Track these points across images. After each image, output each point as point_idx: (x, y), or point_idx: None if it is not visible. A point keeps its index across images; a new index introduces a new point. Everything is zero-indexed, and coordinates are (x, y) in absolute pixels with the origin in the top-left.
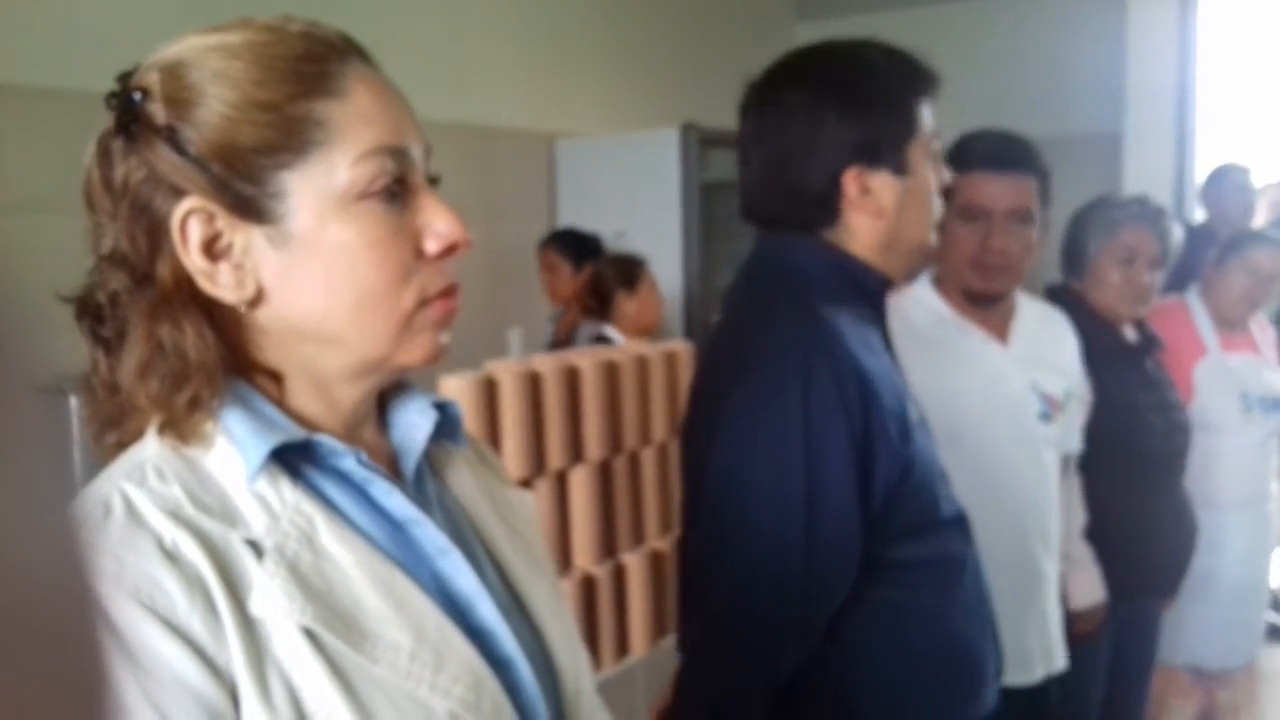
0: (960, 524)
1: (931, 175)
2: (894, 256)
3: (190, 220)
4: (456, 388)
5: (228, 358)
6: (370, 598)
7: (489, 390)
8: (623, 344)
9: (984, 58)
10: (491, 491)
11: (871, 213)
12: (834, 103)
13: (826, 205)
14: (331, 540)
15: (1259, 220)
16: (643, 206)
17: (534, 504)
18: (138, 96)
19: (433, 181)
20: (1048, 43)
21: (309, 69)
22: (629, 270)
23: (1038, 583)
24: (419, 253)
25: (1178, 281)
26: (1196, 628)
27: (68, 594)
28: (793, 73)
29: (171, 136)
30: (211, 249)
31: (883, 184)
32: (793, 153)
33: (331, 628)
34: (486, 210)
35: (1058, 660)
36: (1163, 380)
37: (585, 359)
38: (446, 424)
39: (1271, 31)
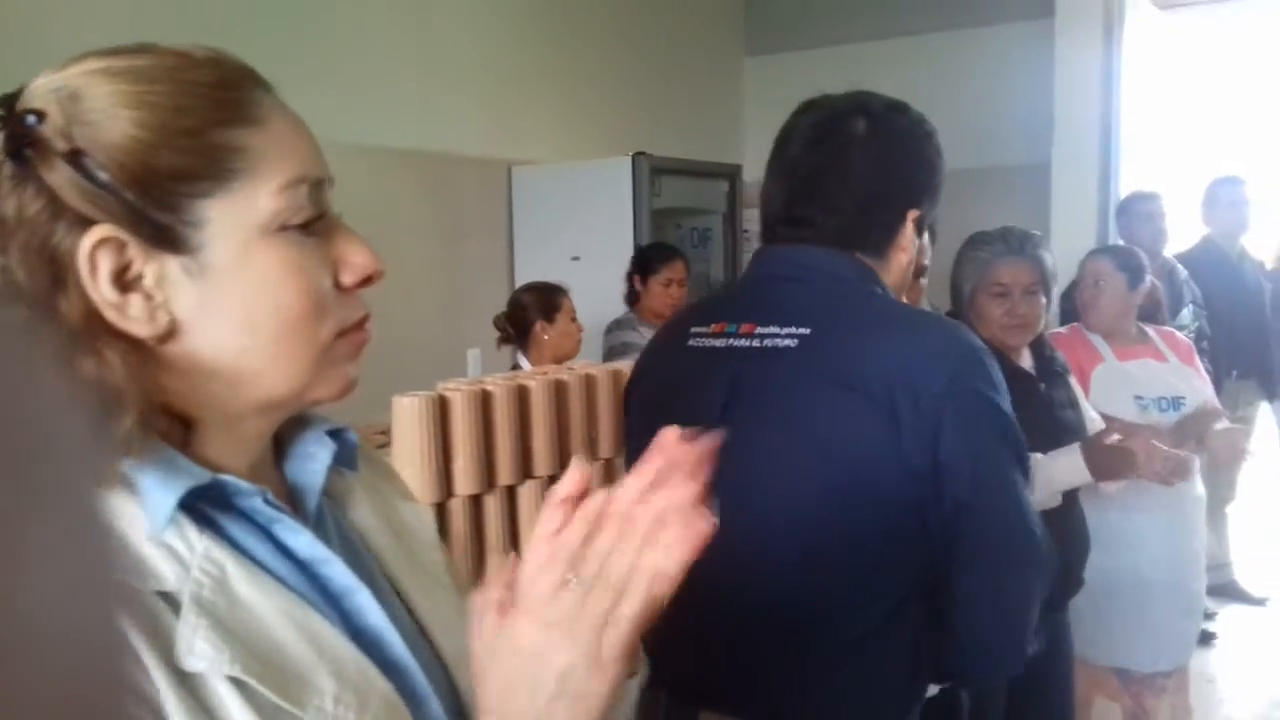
0: None
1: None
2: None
3: (100, 250)
4: (410, 406)
5: None
6: (290, 642)
7: (441, 408)
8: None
9: (921, 92)
10: (389, 512)
11: (899, 254)
12: (915, 145)
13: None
14: (245, 585)
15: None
16: (597, 232)
17: (430, 516)
18: (32, 120)
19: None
20: (982, 79)
21: (227, 95)
22: (548, 300)
23: None
24: (335, 284)
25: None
26: (1122, 630)
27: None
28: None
29: (78, 161)
30: (121, 280)
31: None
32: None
33: (259, 676)
34: (446, 234)
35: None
36: (1060, 403)
37: (534, 378)
38: (343, 451)
39: (1188, 64)
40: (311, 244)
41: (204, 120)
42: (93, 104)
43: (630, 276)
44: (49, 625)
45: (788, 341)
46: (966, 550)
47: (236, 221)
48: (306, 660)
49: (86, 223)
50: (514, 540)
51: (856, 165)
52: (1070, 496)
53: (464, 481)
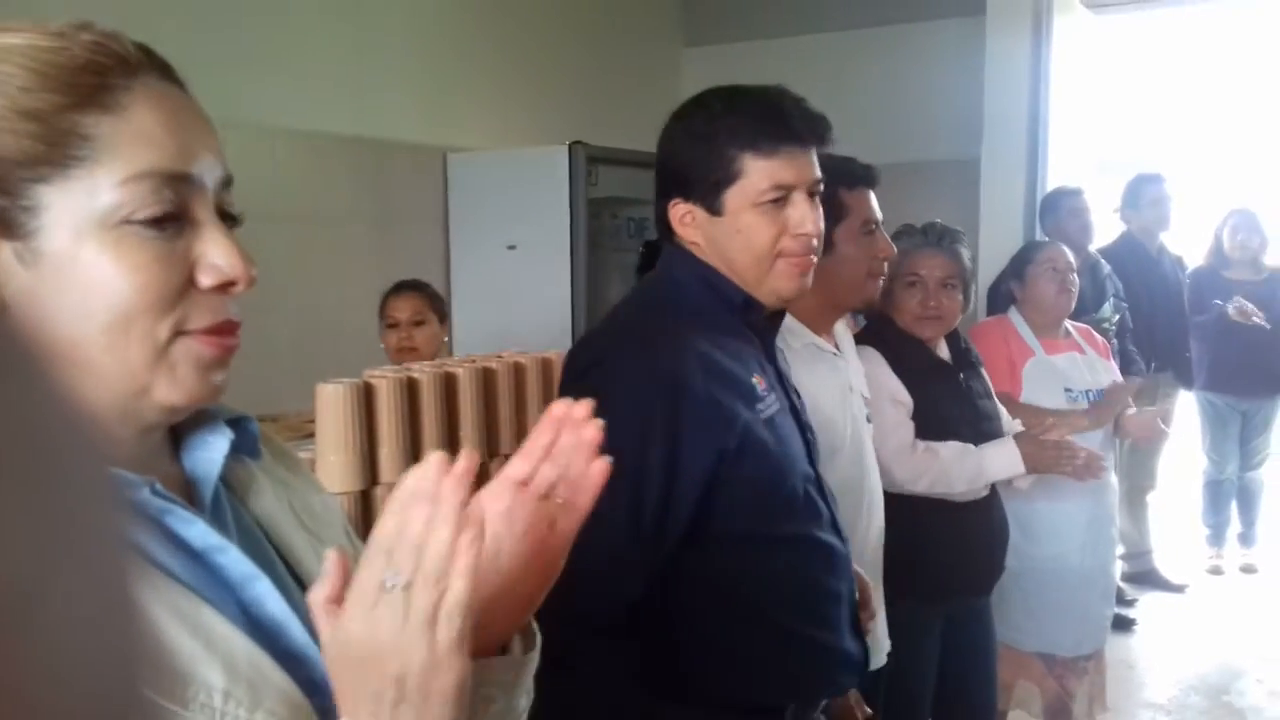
0: (809, 513)
1: (756, 221)
2: (747, 283)
3: None
4: (334, 393)
5: None
6: (176, 637)
7: (367, 395)
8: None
9: (856, 86)
10: (294, 502)
11: (690, 239)
12: (676, 133)
13: (666, 226)
14: None
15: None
16: (533, 220)
17: (338, 505)
18: None
19: (230, 219)
20: (913, 74)
21: (85, 80)
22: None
23: (879, 579)
24: (191, 284)
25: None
26: (1048, 615)
27: None
28: (684, 103)
29: None
30: None
31: (701, 218)
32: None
33: None
34: (381, 220)
35: (881, 655)
36: (977, 392)
37: (461, 366)
38: (244, 441)
39: (1116, 64)
40: (159, 240)
41: (50, 104)
42: None
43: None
44: (72, 639)
45: None
46: None
47: (74, 210)
48: (194, 656)
49: None
50: None
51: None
52: (991, 487)
53: (389, 469)
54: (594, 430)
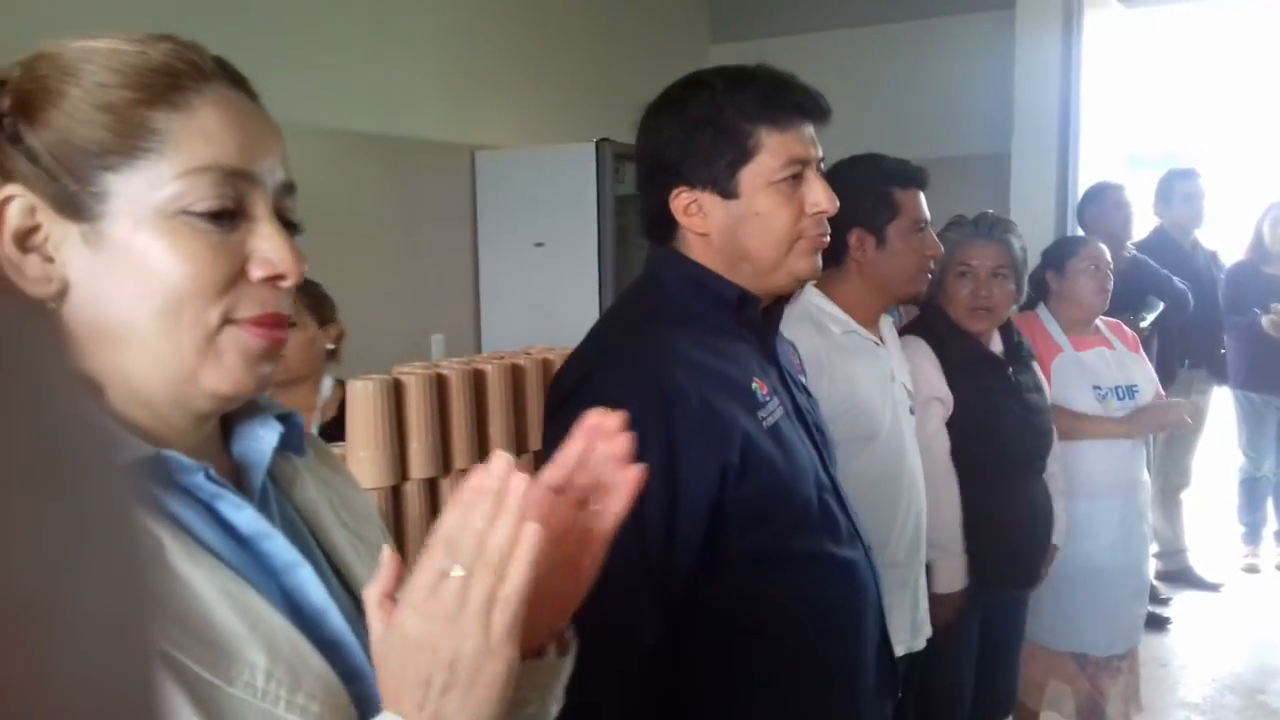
0: (826, 527)
1: (774, 201)
2: (749, 275)
3: (9, 206)
4: (364, 389)
5: None
6: (223, 618)
7: (396, 392)
8: None
9: (884, 81)
10: (334, 498)
11: (698, 230)
12: (668, 122)
13: (662, 221)
14: (181, 561)
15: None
16: (561, 217)
17: (373, 505)
18: None
19: (291, 226)
20: (943, 69)
21: (158, 80)
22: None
23: (916, 563)
24: (242, 275)
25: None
26: (1081, 614)
27: None
28: (654, 100)
29: (10, 124)
30: (25, 241)
31: (710, 204)
32: (640, 168)
33: (187, 651)
34: (410, 219)
35: (920, 639)
36: (1027, 386)
37: (490, 362)
38: (290, 436)
39: (1149, 58)
40: (214, 232)
41: (123, 99)
42: (38, 74)
43: None
44: (91, 639)
45: None
46: None
47: (137, 198)
48: (239, 636)
49: (7, 178)
50: None
51: (635, 156)
52: (1041, 483)
53: (419, 465)
54: (626, 440)
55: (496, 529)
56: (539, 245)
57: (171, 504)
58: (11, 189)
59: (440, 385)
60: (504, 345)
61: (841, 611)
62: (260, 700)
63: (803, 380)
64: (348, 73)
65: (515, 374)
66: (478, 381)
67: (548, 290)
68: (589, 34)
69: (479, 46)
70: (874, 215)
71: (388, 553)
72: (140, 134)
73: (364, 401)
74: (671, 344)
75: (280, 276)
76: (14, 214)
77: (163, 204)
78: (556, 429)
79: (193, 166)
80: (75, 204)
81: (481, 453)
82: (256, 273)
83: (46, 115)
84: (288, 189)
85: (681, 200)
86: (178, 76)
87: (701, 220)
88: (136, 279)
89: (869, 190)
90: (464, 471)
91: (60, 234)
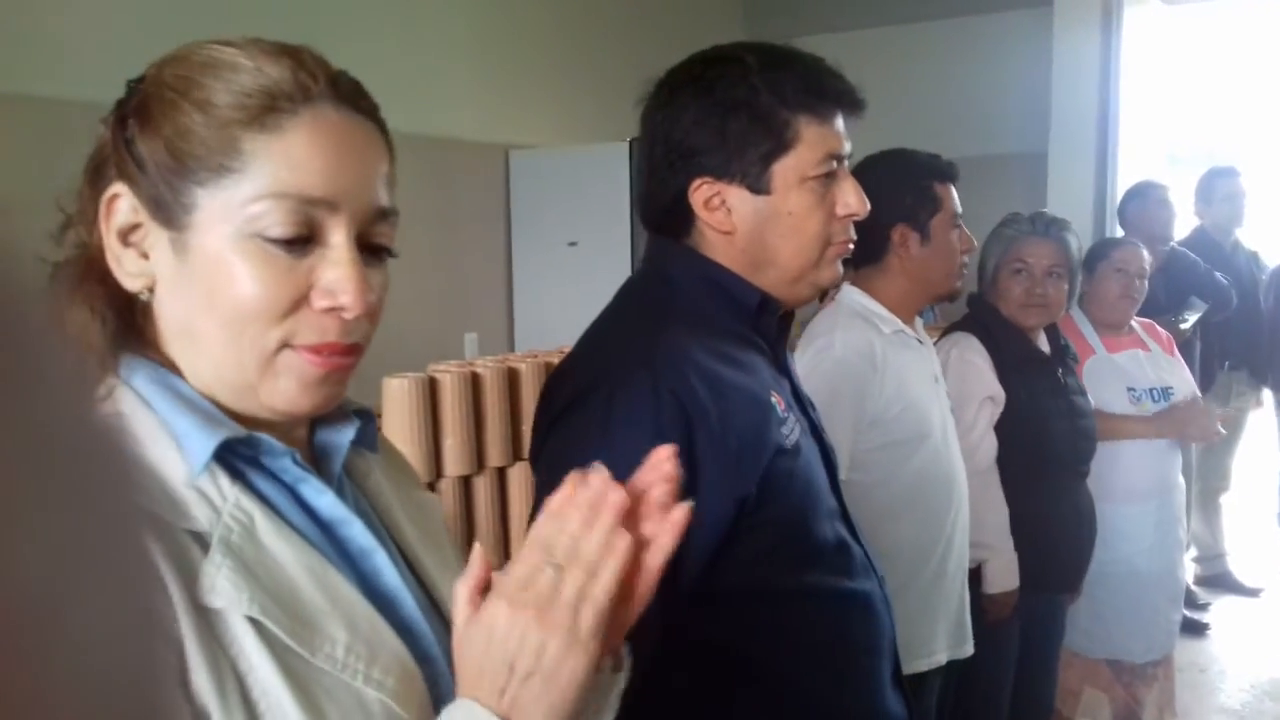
0: (840, 561)
1: (807, 201)
2: (772, 280)
3: (117, 203)
4: (400, 387)
5: (135, 340)
6: (307, 592)
7: (431, 390)
8: None
9: (920, 79)
10: (403, 496)
11: (721, 227)
12: (692, 101)
13: (676, 214)
14: (270, 536)
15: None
16: (594, 216)
17: (440, 505)
18: (130, 85)
19: (383, 250)
20: (980, 67)
21: (257, 101)
22: None
23: (962, 568)
24: (306, 301)
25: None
26: (1115, 620)
27: None
28: (672, 74)
29: (130, 127)
30: (127, 236)
31: (737, 199)
32: (652, 151)
33: (275, 619)
34: (443, 218)
35: (966, 646)
36: (1073, 388)
37: (524, 361)
38: (365, 431)
39: (1188, 56)
40: (284, 257)
41: (221, 118)
42: (163, 78)
43: None
44: (94, 655)
45: None
46: None
47: (218, 215)
48: (321, 610)
49: (122, 175)
50: (504, 521)
51: (644, 136)
52: (1083, 489)
53: (454, 462)
54: (674, 473)
55: (592, 534)
56: (572, 244)
57: (260, 484)
58: (120, 187)
59: (475, 383)
60: (537, 344)
61: (856, 652)
62: (340, 672)
63: (805, 394)
64: (381, 72)
65: (549, 372)
66: (512, 380)
67: (580, 289)
68: (622, 33)
69: (513, 46)
70: (918, 210)
71: (479, 548)
72: (229, 153)
73: (399, 399)
74: (689, 354)
75: (340, 309)
76: (121, 210)
77: (239, 224)
78: (558, 442)
79: (271, 191)
80: (167, 211)
81: (516, 450)
82: (319, 302)
83: (157, 124)
84: (383, 214)
85: (703, 192)
86: (276, 98)
87: (725, 216)
88: (207, 291)
89: (910, 185)
90: (499, 469)
91: (155, 235)
